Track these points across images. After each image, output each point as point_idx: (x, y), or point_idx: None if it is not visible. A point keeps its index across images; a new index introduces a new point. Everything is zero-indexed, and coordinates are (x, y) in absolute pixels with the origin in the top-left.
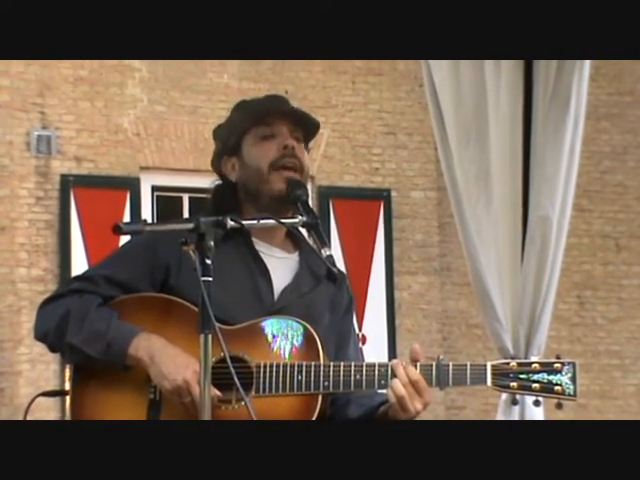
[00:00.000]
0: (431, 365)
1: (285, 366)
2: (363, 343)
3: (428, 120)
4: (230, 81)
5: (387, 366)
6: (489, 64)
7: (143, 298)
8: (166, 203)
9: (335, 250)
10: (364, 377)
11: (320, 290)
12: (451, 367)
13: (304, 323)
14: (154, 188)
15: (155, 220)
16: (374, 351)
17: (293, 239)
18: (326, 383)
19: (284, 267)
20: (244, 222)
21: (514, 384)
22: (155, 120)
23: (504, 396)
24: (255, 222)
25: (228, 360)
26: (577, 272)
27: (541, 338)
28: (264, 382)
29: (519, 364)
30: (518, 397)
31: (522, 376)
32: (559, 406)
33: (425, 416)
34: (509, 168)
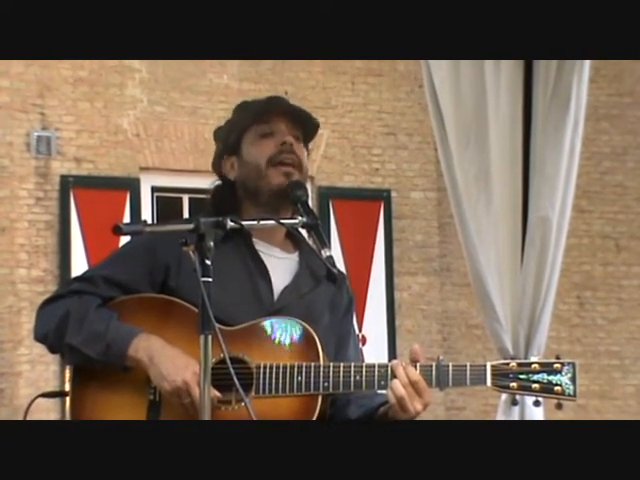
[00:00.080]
0: (431, 366)
1: (285, 367)
2: (363, 344)
3: (428, 121)
4: (230, 82)
5: (387, 367)
6: (489, 64)
7: (143, 299)
8: (166, 204)
9: (335, 251)
10: (364, 378)
11: (320, 290)
12: (451, 368)
13: (304, 324)
14: (154, 189)
15: (155, 221)
16: (374, 352)
17: (293, 239)
18: (326, 384)
19: (284, 267)
20: (244, 223)
21: (514, 384)
22: (155, 121)
23: (504, 396)
24: (255, 223)
25: (228, 361)
26: (577, 273)
27: (541, 338)
28: (264, 383)
29: (519, 364)
30: (518, 397)
31: (522, 376)
32: (559, 406)
33: (425, 417)
34: (509, 169)
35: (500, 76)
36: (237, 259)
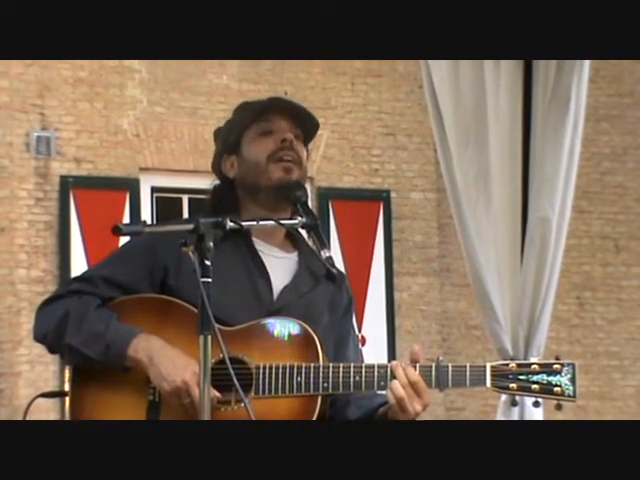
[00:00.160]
0: (430, 366)
1: (284, 367)
2: (363, 344)
3: (427, 121)
4: (230, 82)
5: (386, 367)
6: (488, 64)
7: (142, 299)
8: (166, 204)
9: (335, 251)
10: (363, 378)
11: (319, 290)
12: (450, 368)
13: (303, 324)
14: (154, 189)
15: (154, 221)
16: (374, 352)
17: (292, 239)
18: (325, 384)
19: (283, 267)
20: (243, 223)
21: (513, 385)
22: (155, 121)
23: (503, 397)
24: (254, 223)
25: (227, 361)
26: (576, 273)
27: (540, 339)
28: (263, 383)
29: (518, 365)
30: (517, 398)
31: (521, 377)
32: (558, 407)
33: (424, 417)
34: (508, 169)
35: (500, 76)
36: (237, 259)
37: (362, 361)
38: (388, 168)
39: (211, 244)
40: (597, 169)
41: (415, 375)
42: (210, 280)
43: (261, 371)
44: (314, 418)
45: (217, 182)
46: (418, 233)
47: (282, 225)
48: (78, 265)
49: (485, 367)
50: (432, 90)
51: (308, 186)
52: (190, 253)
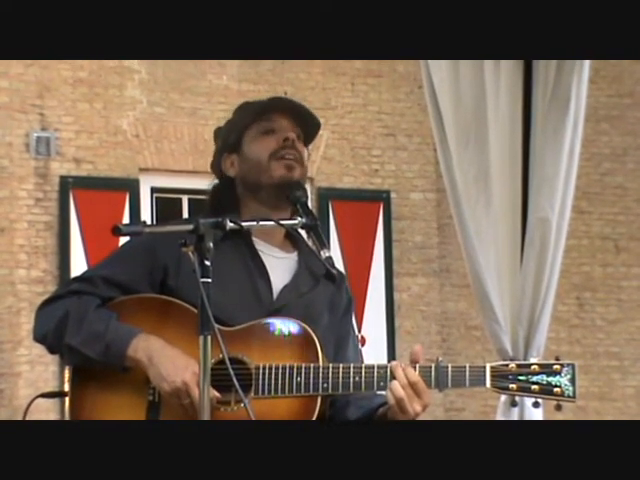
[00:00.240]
0: (430, 367)
1: (284, 368)
2: (362, 344)
3: (427, 122)
4: (229, 83)
5: (386, 368)
6: (488, 64)
7: (142, 299)
8: (165, 204)
9: (334, 252)
10: (363, 379)
11: (319, 290)
12: (450, 369)
13: (303, 324)
14: (153, 189)
15: (154, 222)
16: (373, 352)
17: (292, 239)
18: (325, 385)
19: (283, 267)
20: (243, 224)
21: (513, 386)
22: (154, 122)
23: (503, 398)
24: (254, 223)
25: (227, 362)
26: (576, 274)
27: (540, 339)
28: (263, 384)
29: (518, 365)
30: (517, 399)
31: (521, 378)
32: (558, 408)
33: (424, 418)
34: (508, 169)
35: (500, 76)
36: (236, 258)
37: (362, 361)
38: (388, 168)
39: (211, 244)
40: (597, 170)
41: (415, 376)
42: (210, 280)
43: (261, 371)
44: (314, 418)
45: (216, 181)
46: (418, 233)
47: (282, 225)
48: (78, 265)
49: (485, 367)
50: (432, 90)
51: (308, 186)
52: (190, 253)
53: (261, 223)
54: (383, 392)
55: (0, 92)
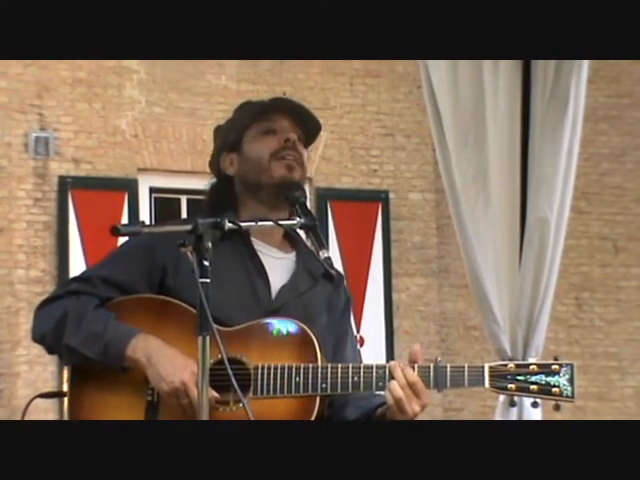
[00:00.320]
0: (429, 367)
1: (283, 368)
2: (361, 345)
3: (426, 122)
4: (228, 83)
5: (385, 368)
6: (487, 64)
7: (141, 299)
8: (164, 205)
9: (333, 252)
10: (362, 379)
11: (317, 290)
12: (449, 369)
13: (302, 324)
14: (152, 190)
15: (153, 222)
16: (372, 353)
17: (290, 239)
18: (324, 385)
19: (281, 267)
20: (242, 224)
21: (512, 386)
22: (153, 122)
23: (502, 398)
24: (253, 223)
25: (226, 362)
26: (575, 274)
27: (539, 340)
28: (262, 384)
29: (517, 366)
30: (516, 399)
31: (520, 378)
32: (557, 408)
33: (423, 418)
34: (507, 169)
35: (498, 76)
36: (235, 258)
37: (360, 361)
38: (387, 169)
39: (209, 244)
40: (596, 170)
41: (413, 376)
42: (208, 280)
43: (259, 371)
44: (312, 418)
45: (214, 180)
46: (417, 234)
47: (281, 226)
48: (77, 265)
49: (483, 367)
50: (431, 90)
51: (307, 187)
52: (188, 253)
53: (260, 223)
54: (382, 392)
55: None
